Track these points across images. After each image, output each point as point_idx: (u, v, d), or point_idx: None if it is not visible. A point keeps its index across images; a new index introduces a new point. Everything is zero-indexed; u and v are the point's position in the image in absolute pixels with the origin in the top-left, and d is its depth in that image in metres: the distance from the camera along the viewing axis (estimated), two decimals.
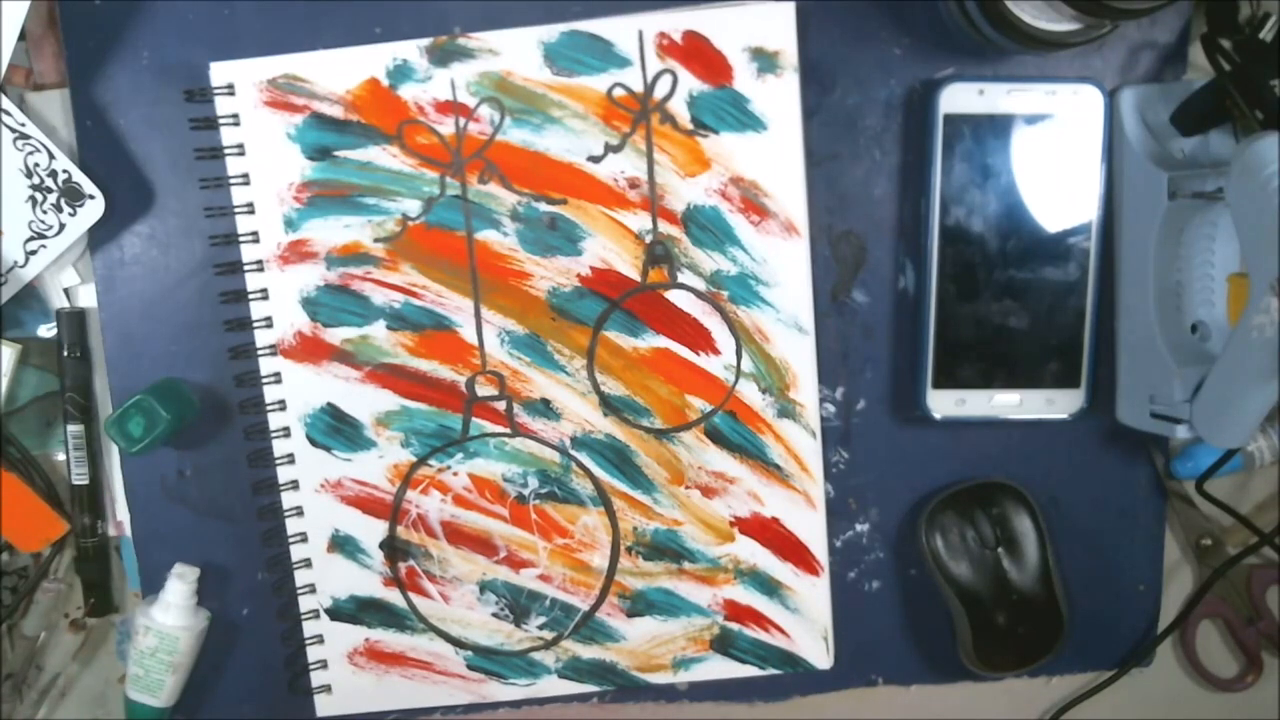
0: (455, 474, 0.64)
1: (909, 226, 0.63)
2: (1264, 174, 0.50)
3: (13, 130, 0.59)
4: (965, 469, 0.66)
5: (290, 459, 0.63)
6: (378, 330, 0.62)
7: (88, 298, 0.63)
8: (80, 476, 0.64)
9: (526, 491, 0.64)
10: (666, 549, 0.65)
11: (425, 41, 0.60)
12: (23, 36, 0.60)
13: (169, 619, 0.62)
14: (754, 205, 0.61)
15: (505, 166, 0.61)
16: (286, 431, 0.63)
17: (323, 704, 0.66)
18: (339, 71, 0.60)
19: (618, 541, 0.65)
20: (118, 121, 0.61)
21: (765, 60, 0.60)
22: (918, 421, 0.64)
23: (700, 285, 0.62)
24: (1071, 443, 0.66)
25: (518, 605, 0.65)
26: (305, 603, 0.65)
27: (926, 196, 0.62)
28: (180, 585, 0.62)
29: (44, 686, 0.67)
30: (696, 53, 0.60)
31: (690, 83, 0.60)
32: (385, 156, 0.61)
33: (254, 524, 0.64)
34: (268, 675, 0.66)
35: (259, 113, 0.60)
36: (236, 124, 0.60)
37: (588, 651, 0.66)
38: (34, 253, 0.60)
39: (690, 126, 0.61)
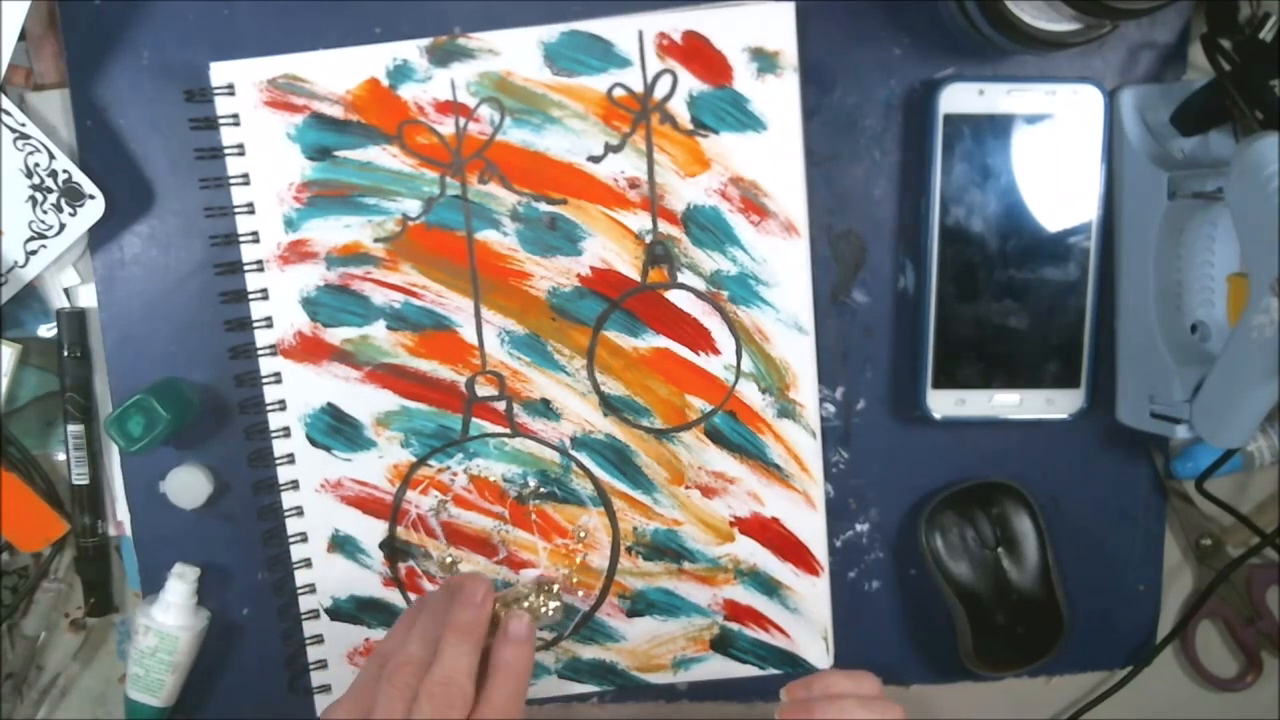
0: (455, 474, 0.64)
1: (909, 226, 0.63)
2: (1264, 174, 0.50)
3: (13, 130, 0.59)
4: (965, 469, 0.66)
5: (290, 459, 0.63)
6: (378, 330, 0.62)
7: (88, 298, 0.63)
8: (80, 476, 0.64)
9: (526, 492, 0.64)
10: (666, 549, 0.65)
11: (425, 41, 0.60)
12: (23, 36, 0.60)
13: (169, 619, 0.62)
14: (754, 205, 0.61)
15: (505, 166, 0.61)
16: (286, 431, 0.63)
17: (323, 704, 0.66)
18: (339, 71, 0.60)
19: (618, 541, 0.65)
20: (118, 121, 0.61)
21: (765, 60, 0.60)
22: (918, 421, 0.64)
23: (700, 285, 0.62)
24: (1071, 443, 0.66)
25: None
26: (305, 603, 0.64)
27: (926, 196, 0.62)
28: (180, 585, 0.63)
29: (44, 686, 0.67)
30: (696, 53, 0.60)
31: (690, 83, 0.60)
32: (385, 156, 0.61)
33: (254, 524, 0.64)
34: (268, 675, 0.66)
35: (259, 113, 0.60)
36: (236, 124, 0.60)
37: (588, 651, 0.66)
38: (34, 253, 0.60)
39: (690, 126, 0.61)
